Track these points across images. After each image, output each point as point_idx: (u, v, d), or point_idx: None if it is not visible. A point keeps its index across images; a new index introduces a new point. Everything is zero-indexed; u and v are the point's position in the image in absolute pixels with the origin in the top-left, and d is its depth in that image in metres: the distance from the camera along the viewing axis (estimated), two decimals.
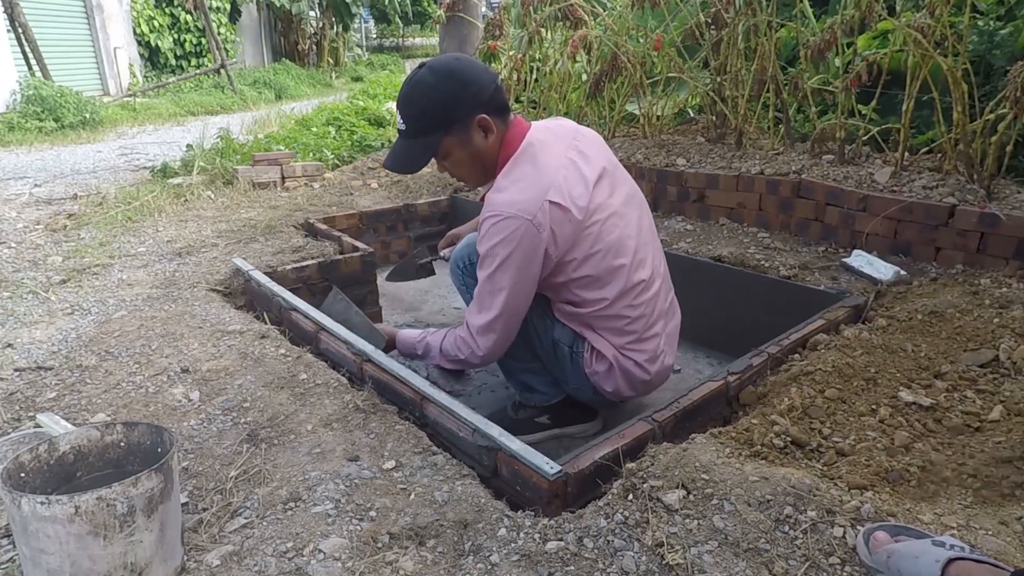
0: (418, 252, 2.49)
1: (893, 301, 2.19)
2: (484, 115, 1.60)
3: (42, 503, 1.01)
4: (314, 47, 16.54)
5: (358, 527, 1.25)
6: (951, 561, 0.94)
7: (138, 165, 5.49)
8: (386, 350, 1.96)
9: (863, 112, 2.94)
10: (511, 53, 4.30)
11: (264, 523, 1.27)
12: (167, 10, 12.04)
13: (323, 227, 3.21)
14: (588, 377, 1.82)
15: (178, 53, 12.34)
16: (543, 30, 4.13)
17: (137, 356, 1.98)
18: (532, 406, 2.00)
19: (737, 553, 1.10)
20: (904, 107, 2.64)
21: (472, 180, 1.77)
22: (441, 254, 2.31)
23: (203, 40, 12.31)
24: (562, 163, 1.63)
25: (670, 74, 3.63)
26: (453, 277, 2.08)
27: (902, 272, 2.35)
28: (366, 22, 23.29)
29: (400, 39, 24.77)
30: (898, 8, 2.89)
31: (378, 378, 1.81)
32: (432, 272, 2.50)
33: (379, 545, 1.20)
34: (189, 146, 5.03)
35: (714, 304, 2.58)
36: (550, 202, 1.55)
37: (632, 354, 1.78)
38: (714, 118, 3.52)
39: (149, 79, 11.62)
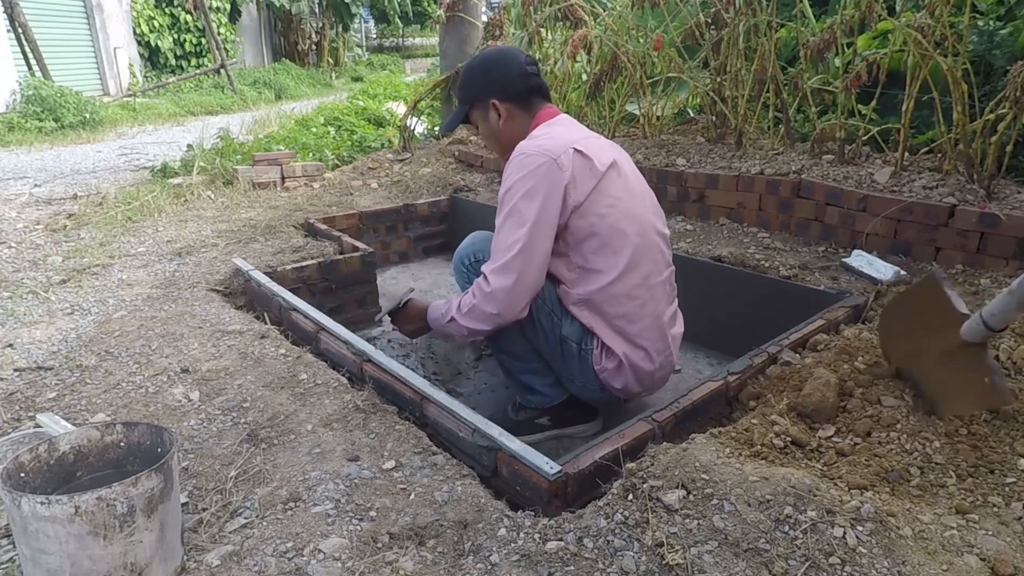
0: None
1: None
2: (496, 100, 1.83)
3: (42, 503, 1.01)
4: (314, 47, 16.54)
5: (358, 527, 1.25)
6: None
7: (138, 165, 5.49)
8: (411, 317, 1.97)
9: (863, 112, 2.94)
10: None
11: (264, 523, 1.27)
12: (167, 10, 12.04)
13: (323, 227, 3.21)
14: (597, 374, 1.82)
15: (178, 53, 12.34)
16: (543, 30, 4.13)
17: (137, 356, 1.98)
18: (533, 407, 2.00)
19: (737, 553, 1.10)
20: (904, 107, 2.64)
21: (493, 150, 1.98)
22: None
23: (203, 40, 12.32)
24: (589, 136, 1.81)
25: (670, 74, 3.63)
26: (456, 275, 2.08)
27: (902, 272, 2.35)
28: (366, 22, 23.30)
29: (400, 39, 24.77)
30: (898, 8, 2.89)
31: (378, 378, 1.81)
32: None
33: (379, 545, 1.20)
34: (189, 146, 5.03)
35: (714, 304, 2.58)
36: (575, 150, 1.69)
37: (643, 342, 1.79)
38: (714, 118, 3.53)
39: (149, 79, 11.63)
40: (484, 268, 1.74)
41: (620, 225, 1.71)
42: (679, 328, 1.96)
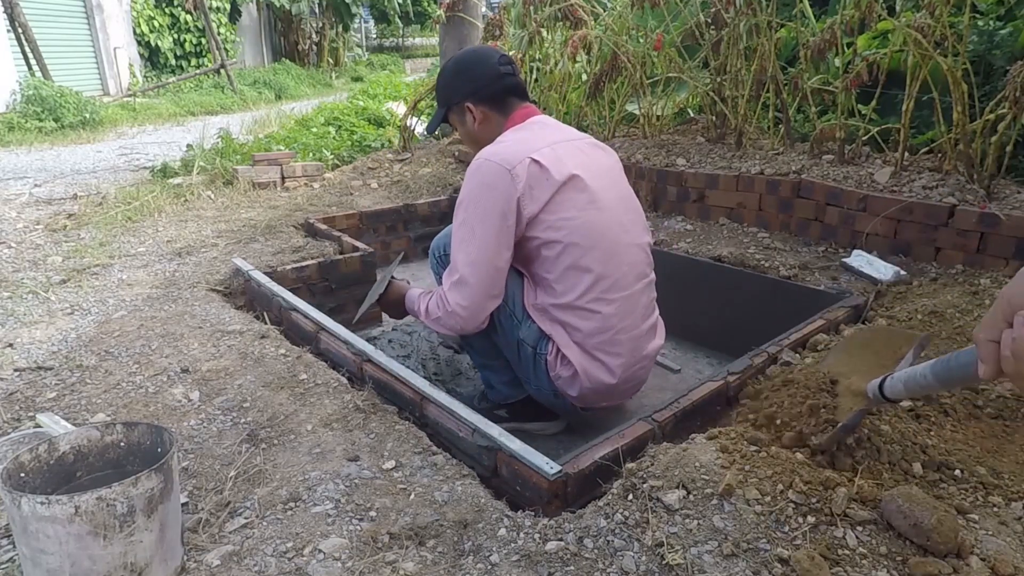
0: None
1: (893, 301, 2.19)
2: (470, 104, 1.81)
3: (42, 503, 1.01)
4: (314, 47, 16.53)
5: (358, 527, 1.25)
6: None
7: (138, 165, 5.49)
8: (392, 302, 1.98)
9: (863, 112, 2.94)
10: (511, 53, 4.30)
11: (264, 523, 1.27)
12: (167, 10, 12.04)
13: (323, 227, 3.21)
14: (552, 380, 1.79)
15: (178, 53, 12.33)
16: (543, 30, 4.13)
17: (137, 356, 1.98)
18: (490, 401, 2.03)
19: (737, 553, 1.10)
20: (904, 107, 2.64)
21: (472, 151, 1.89)
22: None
23: (203, 40, 12.31)
24: (559, 141, 1.73)
25: (670, 74, 3.63)
26: (431, 262, 2.09)
27: (902, 272, 2.35)
28: (366, 22, 23.28)
29: (400, 39, 24.76)
30: (898, 8, 2.89)
31: (378, 378, 1.81)
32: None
33: (379, 545, 1.20)
34: (189, 146, 5.03)
35: (714, 304, 2.58)
36: (531, 159, 1.64)
37: (602, 355, 1.73)
38: (714, 118, 3.52)
39: (149, 79, 11.62)
40: (444, 281, 1.75)
41: (579, 238, 1.66)
42: (657, 342, 1.89)
